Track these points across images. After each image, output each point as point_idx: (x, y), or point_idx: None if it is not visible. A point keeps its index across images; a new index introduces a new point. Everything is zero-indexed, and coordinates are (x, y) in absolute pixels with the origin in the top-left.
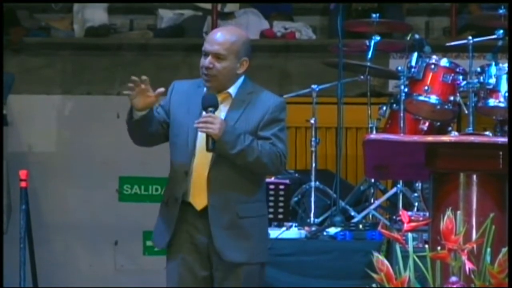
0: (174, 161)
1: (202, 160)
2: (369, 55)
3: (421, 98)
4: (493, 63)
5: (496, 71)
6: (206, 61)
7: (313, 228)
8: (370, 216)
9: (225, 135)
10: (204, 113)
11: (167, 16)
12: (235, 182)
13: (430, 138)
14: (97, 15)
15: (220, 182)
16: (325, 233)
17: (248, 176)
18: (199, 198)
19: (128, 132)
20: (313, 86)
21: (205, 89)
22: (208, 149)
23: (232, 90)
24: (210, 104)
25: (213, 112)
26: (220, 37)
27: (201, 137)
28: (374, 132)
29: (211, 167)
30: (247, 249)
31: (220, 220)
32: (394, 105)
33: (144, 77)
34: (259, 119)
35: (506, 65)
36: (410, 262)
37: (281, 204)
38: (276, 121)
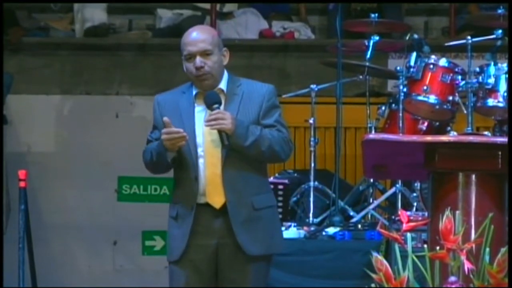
0: (180, 169)
1: (210, 159)
2: (368, 55)
3: (420, 98)
4: (492, 63)
5: (495, 71)
6: (197, 62)
7: (312, 228)
8: (369, 216)
9: (237, 129)
10: (204, 111)
11: (166, 16)
12: (247, 175)
13: (429, 138)
14: (96, 15)
15: (234, 177)
16: (324, 233)
17: (257, 168)
18: (216, 197)
19: (151, 170)
20: (312, 86)
21: (193, 92)
22: (224, 145)
23: (223, 85)
24: (214, 101)
25: (219, 108)
26: (199, 35)
27: (204, 137)
28: (373, 132)
29: (224, 163)
30: (264, 241)
31: (238, 215)
32: (393, 105)
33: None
34: (258, 109)
35: (505, 65)
36: (409, 262)
37: (280, 204)
38: (275, 107)
